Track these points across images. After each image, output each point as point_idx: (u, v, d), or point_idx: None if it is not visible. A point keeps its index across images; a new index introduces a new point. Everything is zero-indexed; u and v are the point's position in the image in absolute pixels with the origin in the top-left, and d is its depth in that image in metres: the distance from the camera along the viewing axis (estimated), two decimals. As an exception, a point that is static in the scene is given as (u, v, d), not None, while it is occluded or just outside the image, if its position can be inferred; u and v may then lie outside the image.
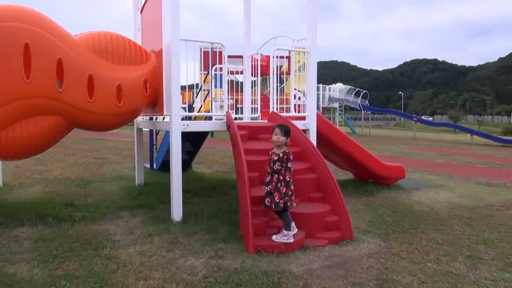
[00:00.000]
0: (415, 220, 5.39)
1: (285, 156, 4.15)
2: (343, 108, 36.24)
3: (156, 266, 3.63)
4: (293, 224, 4.18)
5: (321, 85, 30.96)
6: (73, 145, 13.86)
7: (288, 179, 4.09)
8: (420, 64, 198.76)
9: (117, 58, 5.24)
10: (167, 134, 7.60)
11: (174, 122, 4.97)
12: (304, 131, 6.14)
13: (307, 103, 6.35)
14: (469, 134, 29.72)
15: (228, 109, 5.60)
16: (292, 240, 4.09)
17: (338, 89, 32.80)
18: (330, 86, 32.95)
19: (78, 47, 4.97)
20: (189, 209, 5.37)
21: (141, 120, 6.96)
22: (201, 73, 9.72)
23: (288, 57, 7.70)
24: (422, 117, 54.09)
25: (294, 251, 4.06)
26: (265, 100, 7.15)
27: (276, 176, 4.13)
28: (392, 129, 58.41)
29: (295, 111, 6.47)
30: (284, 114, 6.29)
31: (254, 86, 7.66)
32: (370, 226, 5.10)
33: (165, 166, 8.25)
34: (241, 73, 7.05)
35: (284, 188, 4.08)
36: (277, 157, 4.16)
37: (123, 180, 7.58)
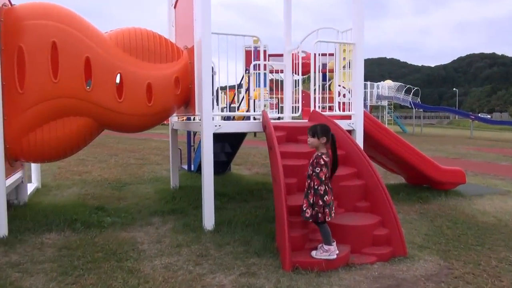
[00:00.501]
0: (481, 234, 4.65)
1: (315, 160, 3.68)
2: (392, 106, 34.64)
3: (180, 283, 3.25)
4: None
5: (368, 83, 29.71)
6: (117, 145, 14.05)
7: (316, 187, 3.60)
8: (476, 59, 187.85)
9: (147, 55, 4.96)
10: (204, 135, 7.33)
11: (205, 122, 4.60)
12: (350, 131, 5.56)
13: (353, 101, 5.76)
14: (534, 133, 27.18)
15: (268, 108, 5.19)
16: (334, 257, 3.57)
17: (387, 86, 31.33)
18: (378, 83, 31.55)
19: (107, 44, 4.74)
20: (223, 216, 4.99)
21: (175, 120, 6.69)
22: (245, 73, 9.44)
23: (333, 54, 7.18)
24: (479, 114, 50.62)
25: (338, 269, 3.54)
26: (306, 98, 6.62)
27: (308, 182, 3.68)
28: (446, 127, 55.26)
29: (339, 110, 5.91)
30: (327, 113, 5.75)
31: (298, 85, 7.22)
32: (427, 240, 4.45)
33: (203, 168, 7.99)
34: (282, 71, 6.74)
35: (313, 197, 3.60)
36: (310, 161, 3.74)
37: (159, 183, 7.37)
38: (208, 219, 4.65)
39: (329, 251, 3.59)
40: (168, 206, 5.68)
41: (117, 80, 4.75)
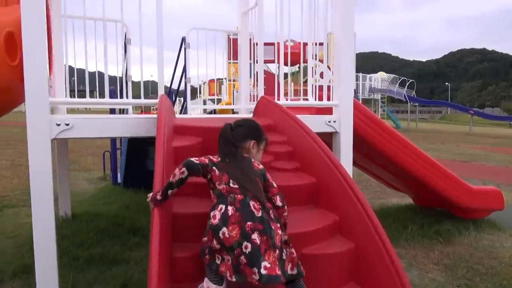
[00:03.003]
0: None
1: None
2: (385, 100, 32.47)
3: None
4: None
5: (360, 74, 27.44)
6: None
7: None
8: (468, 54, 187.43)
9: None
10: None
11: (32, 117, 2.26)
12: (329, 136, 3.30)
13: (335, 85, 3.46)
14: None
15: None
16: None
17: (380, 78, 29.08)
18: (371, 75, 29.30)
19: None
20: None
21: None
22: (229, 62, 8.12)
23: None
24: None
25: None
26: (268, 81, 4.33)
27: None
28: (439, 122, 53.44)
29: (314, 98, 3.61)
30: (296, 103, 3.46)
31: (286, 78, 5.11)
32: None
33: (132, 178, 5.69)
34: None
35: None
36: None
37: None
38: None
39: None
40: (24, 259, 3.34)
41: None
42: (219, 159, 1.92)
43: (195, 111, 14.72)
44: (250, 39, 4.45)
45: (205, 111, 15.64)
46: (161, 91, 2.65)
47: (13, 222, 4.40)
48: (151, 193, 1.83)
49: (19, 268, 3.15)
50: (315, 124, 3.20)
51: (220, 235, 1.70)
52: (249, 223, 1.71)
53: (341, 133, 3.30)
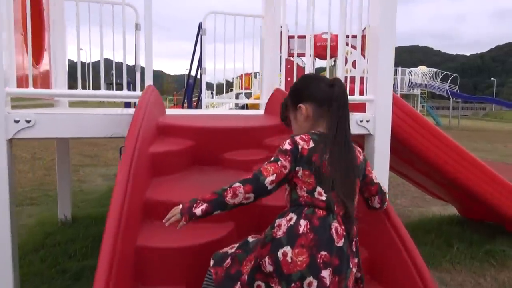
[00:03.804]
0: None
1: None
2: (425, 96, 30.82)
3: None
4: None
5: (399, 68, 26.05)
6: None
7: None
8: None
9: None
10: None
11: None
12: (361, 138, 2.70)
13: (371, 75, 2.83)
14: None
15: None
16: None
17: (420, 72, 27.53)
18: (410, 69, 27.79)
19: None
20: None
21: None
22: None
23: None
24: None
25: None
26: (289, 72, 3.77)
27: None
28: (483, 120, 50.59)
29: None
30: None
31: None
32: None
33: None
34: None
35: None
36: None
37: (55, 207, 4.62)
38: None
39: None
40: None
41: None
42: (313, 143, 1.32)
43: (225, 106, 14.32)
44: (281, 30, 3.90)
45: (236, 105, 15.22)
46: (148, 81, 2.15)
47: (12, 223, 4.09)
48: (184, 204, 1.33)
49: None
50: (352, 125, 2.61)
51: (280, 255, 1.22)
52: (323, 253, 1.22)
53: (375, 136, 2.68)
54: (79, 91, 2.15)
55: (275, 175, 1.29)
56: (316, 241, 1.23)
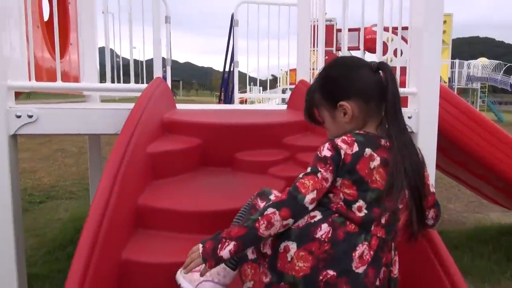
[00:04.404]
0: None
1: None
2: (486, 90, 28.74)
3: None
4: None
5: (457, 61, 24.44)
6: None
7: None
8: None
9: None
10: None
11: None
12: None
13: (413, 64, 2.47)
14: None
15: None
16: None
17: (480, 65, 25.63)
18: (469, 61, 25.98)
19: None
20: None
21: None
22: (312, 50, 7.14)
23: None
24: None
25: None
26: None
27: None
28: (553, 116, 46.35)
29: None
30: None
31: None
32: None
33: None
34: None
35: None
36: None
37: (86, 202, 4.64)
38: None
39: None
40: (41, 267, 2.99)
41: None
42: (358, 147, 1.04)
43: (273, 101, 14.14)
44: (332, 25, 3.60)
45: (283, 100, 14.99)
46: (157, 73, 1.98)
47: (47, 217, 4.15)
48: (205, 244, 1.06)
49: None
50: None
51: (281, 247, 1.04)
52: (331, 272, 1.00)
53: (419, 134, 2.33)
54: (82, 84, 2.02)
55: (315, 191, 1.02)
56: (329, 255, 1.00)
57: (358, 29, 6.79)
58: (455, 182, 5.04)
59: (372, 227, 1.03)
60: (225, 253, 1.01)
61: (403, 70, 2.54)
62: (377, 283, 1.04)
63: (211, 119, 1.80)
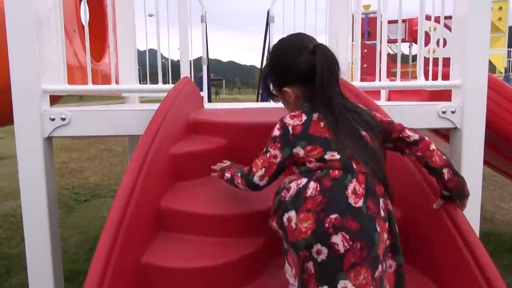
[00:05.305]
0: None
1: None
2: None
3: None
4: None
5: (514, 48, 22.89)
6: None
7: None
8: None
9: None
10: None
11: (20, 115, 1.79)
12: (447, 132, 2.22)
13: (457, 54, 2.29)
14: None
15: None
16: None
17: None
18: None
19: None
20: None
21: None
22: (352, 44, 7.01)
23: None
24: None
25: None
26: (369, 57, 3.31)
27: None
28: None
29: (425, 78, 2.49)
30: (390, 84, 2.44)
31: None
32: None
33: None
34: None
35: None
36: None
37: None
38: None
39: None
40: (83, 263, 3.11)
41: None
42: (306, 116, 1.16)
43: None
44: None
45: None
46: (185, 72, 1.96)
47: (92, 215, 4.30)
48: (228, 164, 1.45)
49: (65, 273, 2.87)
50: (421, 116, 2.16)
51: (285, 220, 1.09)
52: (333, 216, 1.04)
53: (463, 130, 2.16)
54: (112, 86, 2.05)
55: (263, 169, 1.20)
56: (324, 204, 1.05)
57: (403, 21, 6.55)
58: (508, 180, 4.69)
59: (354, 165, 1.09)
60: (224, 178, 1.38)
61: (447, 61, 2.36)
62: (382, 214, 1.08)
63: (237, 119, 1.75)
